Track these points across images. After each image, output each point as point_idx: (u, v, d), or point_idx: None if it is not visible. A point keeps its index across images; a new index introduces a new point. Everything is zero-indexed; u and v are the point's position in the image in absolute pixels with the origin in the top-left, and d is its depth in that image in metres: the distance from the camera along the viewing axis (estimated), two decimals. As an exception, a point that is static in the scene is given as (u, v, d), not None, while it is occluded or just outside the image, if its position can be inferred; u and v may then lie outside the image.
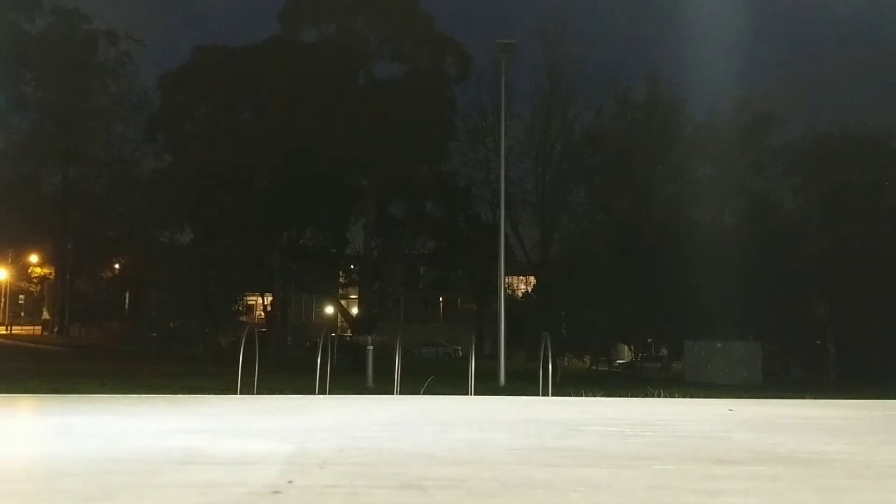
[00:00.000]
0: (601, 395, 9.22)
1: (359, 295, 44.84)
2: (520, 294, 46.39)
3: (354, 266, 43.44)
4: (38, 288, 53.65)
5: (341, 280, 45.93)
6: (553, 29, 41.62)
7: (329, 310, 53.66)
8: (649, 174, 41.58)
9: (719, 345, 30.90)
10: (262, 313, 45.74)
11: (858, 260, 34.82)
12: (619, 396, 9.20)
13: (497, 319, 21.47)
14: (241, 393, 10.76)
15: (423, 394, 10.51)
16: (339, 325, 48.42)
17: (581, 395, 9.84)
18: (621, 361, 42.04)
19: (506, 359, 20.22)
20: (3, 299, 52.75)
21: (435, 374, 13.88)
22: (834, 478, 1.25)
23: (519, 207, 41.18)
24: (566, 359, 34.12)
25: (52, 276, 50.01)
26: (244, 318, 39.89)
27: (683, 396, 9.93)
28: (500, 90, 23.99)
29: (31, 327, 49.02)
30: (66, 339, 42.01)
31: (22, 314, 54.16)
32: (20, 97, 42.46)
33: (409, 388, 11.68)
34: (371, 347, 18.84)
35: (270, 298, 41.94)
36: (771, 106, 42.11)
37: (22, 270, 52.23)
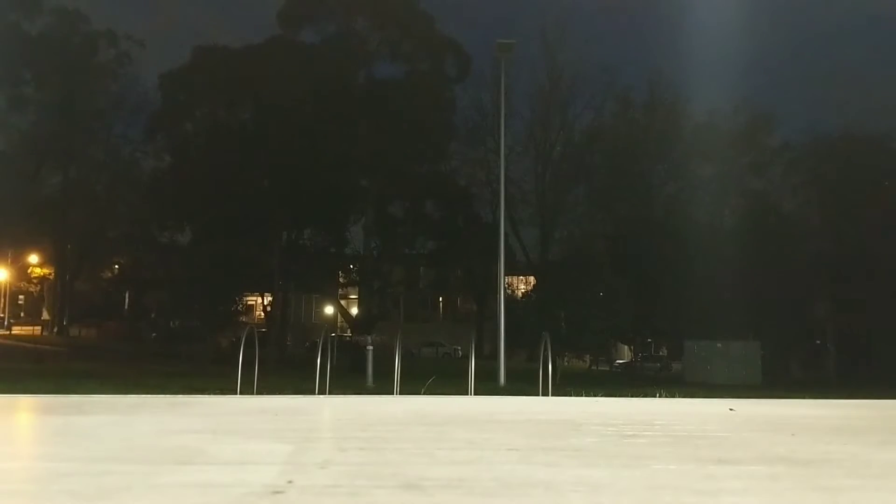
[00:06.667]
0: (601, 395, 9.22)
1: (359, 295, 44.84)
2: (520, 294, 46.36)
3: (354, 266, 43.40)
4: (38, 288, 53.64)
5: (341, 280, 45.90)
6: (553, 29, 41.69)
7: (329, 310, 53.65)
8: (649, 174, 41.58)
9: (719, 345, 30.85)
10: (262, 313, 45.72)
11: (858, 260, 34.82)
12: (619, 396, 9.21)
13: (497, 319, 21.46)
14: (241, 393, 10.76)
15: (424, 394, 10.50)
16: (339, 325, 48.43)
17: (581, 395, 9.84)
18: (621, 361, 42.01)
19: (506, 359, 20.22)
20: (2, 299, 52.70)
21: (435, 374, 13.88)
22: (834, 478, 1.25)
23: (519, 207, 41.24)
24: (566, 359, 34.11)
25: (51, 277, 49.99)
26: (244, 318, 39.87)
27: (683, 396, 9.94)
28: (500, 90, 24.02)
29: (31, 327, 48.98)
30: (65, 340, 42.03)
31: (22, 314, 54.11)
32: (20, 97, 42.49)
33: (409, 388, 11.68)
34: (371, 347, 18.86)
35: (270, 298, 41.93)
36: (771, 106, 42.20)
37: (22, 270, 52.20)
